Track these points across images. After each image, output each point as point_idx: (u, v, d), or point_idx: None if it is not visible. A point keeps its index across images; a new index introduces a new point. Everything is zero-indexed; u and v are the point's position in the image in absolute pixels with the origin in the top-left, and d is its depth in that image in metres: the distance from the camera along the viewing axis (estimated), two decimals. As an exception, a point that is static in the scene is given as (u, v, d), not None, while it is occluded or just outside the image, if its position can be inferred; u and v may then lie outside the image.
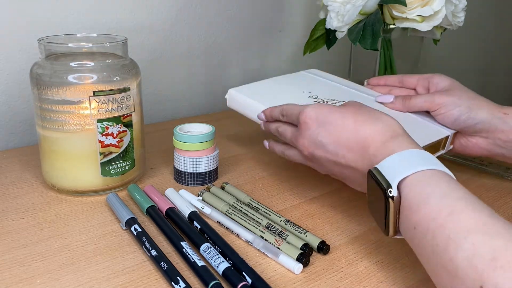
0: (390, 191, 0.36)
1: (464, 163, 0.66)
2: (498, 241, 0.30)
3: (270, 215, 0.49)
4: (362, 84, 0.66)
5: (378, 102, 0.60)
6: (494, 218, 0.32)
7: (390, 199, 0.36)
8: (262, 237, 0.44)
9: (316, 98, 0.60)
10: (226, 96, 0.63)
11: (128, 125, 0.52)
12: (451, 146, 0.57)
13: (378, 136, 0.41)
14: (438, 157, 0.50)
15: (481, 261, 0.29)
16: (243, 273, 0.39)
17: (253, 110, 0.58)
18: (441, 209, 0.33)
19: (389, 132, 0.41)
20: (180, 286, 0.37)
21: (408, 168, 0.37)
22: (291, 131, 0.50)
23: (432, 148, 0.54)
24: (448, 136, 0.55)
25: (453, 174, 0.38)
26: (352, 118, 0.43)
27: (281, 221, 0.47)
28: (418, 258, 0.36)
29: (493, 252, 0.29)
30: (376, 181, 0.38)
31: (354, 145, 0.42)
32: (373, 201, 0.40)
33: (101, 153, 0.51)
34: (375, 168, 0.39)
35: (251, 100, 0.59)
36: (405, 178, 0.36)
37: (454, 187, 0.35)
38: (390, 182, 0.37)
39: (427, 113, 0.57)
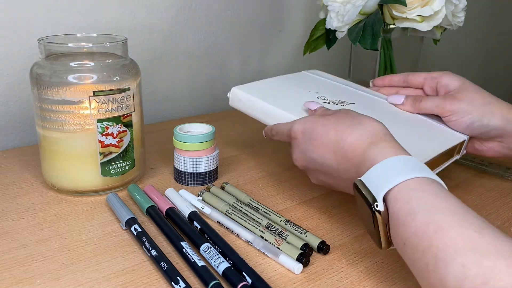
0: (377, 205, 0.35)
1: (464, 163, 0.66)
2: (488, 261, 0.29)
3: (270, 215, 0.49)
4: (365, 84, 0.66)
5: (390, 103, 0.59)
6: (482, 233, 0.30)
7: (377, 213, 0.35)
8: (262, 237, 0.44)
9: (325, 99, 0.58)
10: (228, 95, 0.60)
11: (128, 125, 0.52)
12: (465, 151, 0.56)
13: (358, 144, 0.40)
14: (453, 163, 0.49)
15: (471, 285, 0.28)
16: (243, 273, 0.39)
17: (257, 109, 0.56)
18: (428, 225, 0.32)
19: (368, 138, 0.40)
20: (180, 286, 0.37)
21: (393, 178, 0.35)
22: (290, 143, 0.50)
23: (446, 153, 0.53)
24: (464, 141, 0.54)
25: (442, 180, 0.36)
26: (333, 129, 0.43)
27: (281, 221, 0.47)
28: (412, 271, 0.35)
29: (483, 275, 0.28)
30: (361, 195, 0.37)
31: (339, 158, 0.42)
32: (362, 213, 0.38)
33: (101, 153, 0.51)
34: (360, 180, 0.38)
35: (255, 99, 0.57)
36: (390, 189, 0.35)
37: (441, 197, 0.34)
38: (375, 195, 0.36)
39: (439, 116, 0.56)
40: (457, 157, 0.55)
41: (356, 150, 0.40)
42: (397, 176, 0.35)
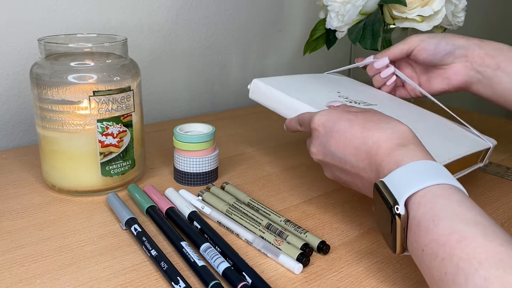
0: (397, 208, 0.34)
1: (464, 163, 0.65)
2: (510, 277, 0.28)
3: (270, 215, 0.49)
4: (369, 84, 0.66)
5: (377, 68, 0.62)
6: (507, 246, 0.29)
7: (396, 217, 0.34)
8: (262, 237, 0.44)
9: (347, 98, 0.57)
10: (248, 87, 0.58)
11: (128, 125, 0.52)
12: (488, 161, 0.56)
13: (384, 143, 0.39)
14: (472, 172, 0.48)
15: None
16: (243, 273, 0.39)
17: (278, 101, 0.55)
18: (451, 234, 0.31)
19: (397, 139, 0.39)
20: (180, 286, 0.37)
21: (417, 183, 0.34)
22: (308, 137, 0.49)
23: (469, 159, 0.52)
24: (489, 148, 0.54)
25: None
26: (360, 125, 0.41)
27: (281, 221, 0.47)
28: (424, 278, 0.34)
29: None
30: (382, 197, 0.36)
31: (361, 154, 0.40)
32: (379, 216, 0.37)
33: (101, 153, 0.51)
34: (381, 181, 0.37)
35: (276, 91, 0.55)
36: (413, 194, 0.34)
37: (466, 206, 0.33)
38: (397, 198, 0.35)
39: (463, 125, 0.57)
40: (480, 165, 0.55)
41: (381, 148, 0.39)
42: (423, 181, 0.34)
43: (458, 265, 0.30)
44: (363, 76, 0.69)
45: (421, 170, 0.36)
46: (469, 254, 0.30)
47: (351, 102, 0.55)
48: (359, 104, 0.56)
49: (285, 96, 0.54)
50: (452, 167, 0.48)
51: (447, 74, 0.60)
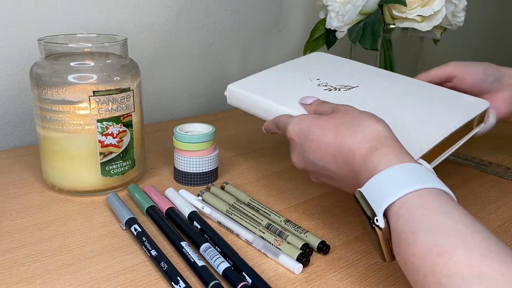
0: (376, 220, 0.33)
1: (464, 163, 0.66)
2: None
3: (270, 215, 0.49)
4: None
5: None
6: (490, 257, 0.28)
7: (377, 229, 0.33)
8: (262, 237, 0.44)
9: (326, 85, 0.55)
10: (225, 93, 0.57)
11: (128, 125, 0.52)
12: (483, 124, 0.55)
13: (358, 149, 0.38)
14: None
15: None
16: (243, 273, 0.39)
17: (256, 106, 0.54)
18: (431, 247, 0.30)
19: (370, 142, 0.38)
20: (180, 286, 0.37)
21: (393, 192, 0.33)
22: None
23: (467, 126, 0.51)
24: (487, 109, 0.52)
25: (446, 185, 0.35)
26: (333, 131, 0.40)
27: (281, 221, 0.47)
28: None
29: None
30: (361, 209, 0.35)
31: (339, 162, 0.40)
32: (364, 225, 0.36)
33: (101, 153, 0.51)
34: (359, 192, 0.36)
35: (253, 95, 0.54)
36: (391, 204, 0.33)
37: (445, 214, 0.31)
38: (375, 210, 0.34)
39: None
40: (476, 130, 0.53)
41: (356, 155, 0.38)
42: (399, 189, 0.33)
43: (440, 282, 0.29)
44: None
45: (397, 176, 0.34)
46: (451, 269, 0.29)
47: (330, 90, 0.54)
48: (339, 89, 0.55)
49: (263, 99, 0.53)
50: (451, 139, 0.48)
51: (496, 103, 0.55)
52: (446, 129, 0.48)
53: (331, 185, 0.44)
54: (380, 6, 0.67)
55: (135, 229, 0.44)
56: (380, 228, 0.33)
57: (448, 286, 0.28)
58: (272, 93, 0.54)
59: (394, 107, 0.51)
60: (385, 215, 0.34)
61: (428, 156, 0.46)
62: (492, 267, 0.28)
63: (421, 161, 0.43)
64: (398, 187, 0.33)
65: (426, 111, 0.51)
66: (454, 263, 0.29)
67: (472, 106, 0.52)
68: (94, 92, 0.49)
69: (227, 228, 0.47)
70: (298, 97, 0.52)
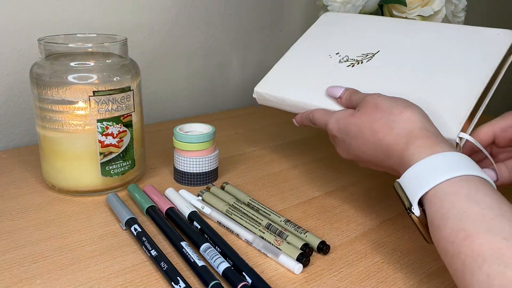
0: (413, 209, 0.37)
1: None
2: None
3: (270, 215, 0.49)
4: None
5: None
6: (510, 239, 0.30)
7: (413, 215, 0.37)
8: (262, 237, 0.44)
9: (347, 60, 0.55)
10: (254, 95, 0.59)
11: (128, 125, 0.52)
12: None
13: (394, 145, 0.40)
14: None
15: None
16: (243, 273, 0.39)
17: (287, 104, 0.55)
18: (458, 231, 0.32)
19: (405, 137, 0.40)
20: (180, 286, 0.37)
21: (426, 182, 0.36)
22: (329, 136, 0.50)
23: (499, 67, 0.49)
24: None
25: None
26: (368, 129, 0.43)
27: (281, 221, 0.47)
28: None
29: (506, 286, 0.29)
30: (400, 198, 0.38)
31: (381, 155, 0.42)
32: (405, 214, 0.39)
33: (101, 153, 0.51)
34: (397, 182, 0.39)
35: (281, 95, 0.55)
36: (426, 193, 0.36)
37: (474, 200, 0.33)
38: (410, 200, 0.37)
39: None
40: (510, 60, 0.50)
41: (394, 150, 0.40)
42: (432, 180, 0.36)
43: (464, 263, 0.31)
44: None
45: (429, 167, 0.37)
46: (474, 251, 0.31)
47: (353, 66, 0.54)
48: (361, 62, 0.54)
49: (290, 98, 0.55)
50: (490, 81, 0.47)
51: None
52: (478, 84, 0.46)
53: (379, 169, 0.46)
54: (380, 6, 0.67)
55: (135, 229, 0.44)
56: (416, 216, 0.37)
57: (471, 266, 0.31)
58: (299, 89, 0.55)
59: (418, 74, 0.50)
60: (421, 203, 0.37)
61: (469, 118, 0.45)
62: None
63: (462, 134, 0.44)
64: (430, 177, 0.36)
65: (451, 69, 0.48)
66: (477, 246, 0.31)
67: (498, 42, 0.49)
68: (94, 92, 0.49)
69: (227, 228, 0.47)
70: (324, 86, 0.52)
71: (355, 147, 0.45)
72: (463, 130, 0.44)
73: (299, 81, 0.56)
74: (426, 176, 0.36)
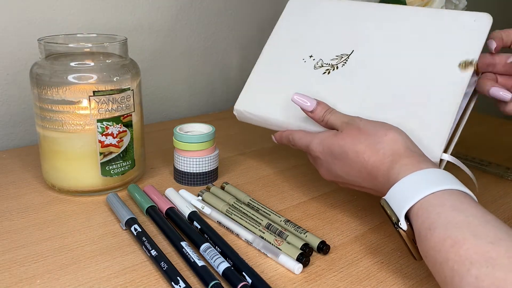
0: (400, 223, 0.37)
1: (464, 163, 0.65)
2: (500, 273, 0.30)
3: (270, 215, 0.49)
4: None
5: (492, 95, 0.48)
6: (498, 244, 0.31)
7: (401, 231, 0.37)
8: (262, 237, 0.44)
9: (322, 66, 0.53)
10: (234, 112, 0.58)
11: (128, 125, 0.52)
12: None
13: (380, 165, 0.41)
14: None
15: None
16: (243, 273, 0.39)
17: (266, 123, 0.56)
18: (445, 240, 0.33)
19: (389, 156, 0.41)
20: (180, 286, 0.37)
21: (412, 196, 0.37)
22: (309, 156, 0.50)
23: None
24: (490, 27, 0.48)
25: (462, 183, 0.37)
26: (352, 151, 0.43)
27: (281, 221, 0.47)
28: None
29: (496, 287, 0.29)
30: (387, 215, 0.39)
31: (365, 176, 0.43)
32: (394, 230, 0.40)
33: (101, 153, 0.51)
34: (384, 199, 0.40)
35: (260, 114, 0.56)
36: (412, 206, 0.37)
37: (459, 210, 0.34)
38: (397, 215, 0.38)
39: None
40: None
41: (379, 170, 0.41)
42: (417, 194, 0.37)
43: (453, 268, 0.32)
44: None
45: (415, 182, 0.38)
46: (462, 256, 0.32)
47: (328, 73, 0.52)
48: (336, 68, 0.52)
49: (268, 117, 0.55)
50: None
51: None
52: (458, 89, 0.46)
53: (361, 191, 0.47)
54: (380, 6, 0.67)
55: (135, 229, 0.44)
56: (404, 230, 0.37)
57: (459, 271, 0.31)
58: (278, 106, 0.54)
59: (394, 79, 0.49)
60: (408, 218, 0.38)
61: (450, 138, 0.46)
62: (500, 252, 0.31)
63: (444, 155, 0.45)
64: (415, 191, 0.37)
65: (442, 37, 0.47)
66: (464, 251, 0.32)
67: (476, 31, 0.47)
68: (94, 92, 0.49)
69: (227, 228, 0.47)
70: (295, 105, 0.51)
71: (338, 168, 0.45)
72: (445, 150, 0.45)
73: (277, 96, 0.54)
74: (412, 190, 0.37)
